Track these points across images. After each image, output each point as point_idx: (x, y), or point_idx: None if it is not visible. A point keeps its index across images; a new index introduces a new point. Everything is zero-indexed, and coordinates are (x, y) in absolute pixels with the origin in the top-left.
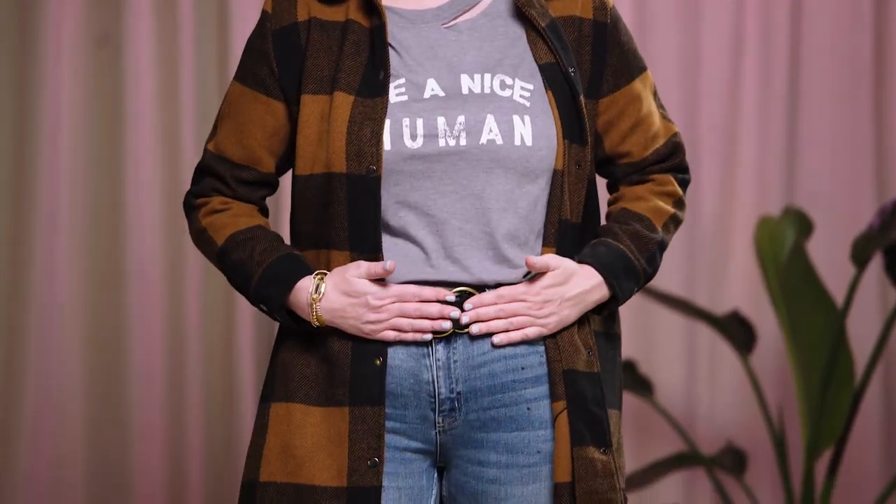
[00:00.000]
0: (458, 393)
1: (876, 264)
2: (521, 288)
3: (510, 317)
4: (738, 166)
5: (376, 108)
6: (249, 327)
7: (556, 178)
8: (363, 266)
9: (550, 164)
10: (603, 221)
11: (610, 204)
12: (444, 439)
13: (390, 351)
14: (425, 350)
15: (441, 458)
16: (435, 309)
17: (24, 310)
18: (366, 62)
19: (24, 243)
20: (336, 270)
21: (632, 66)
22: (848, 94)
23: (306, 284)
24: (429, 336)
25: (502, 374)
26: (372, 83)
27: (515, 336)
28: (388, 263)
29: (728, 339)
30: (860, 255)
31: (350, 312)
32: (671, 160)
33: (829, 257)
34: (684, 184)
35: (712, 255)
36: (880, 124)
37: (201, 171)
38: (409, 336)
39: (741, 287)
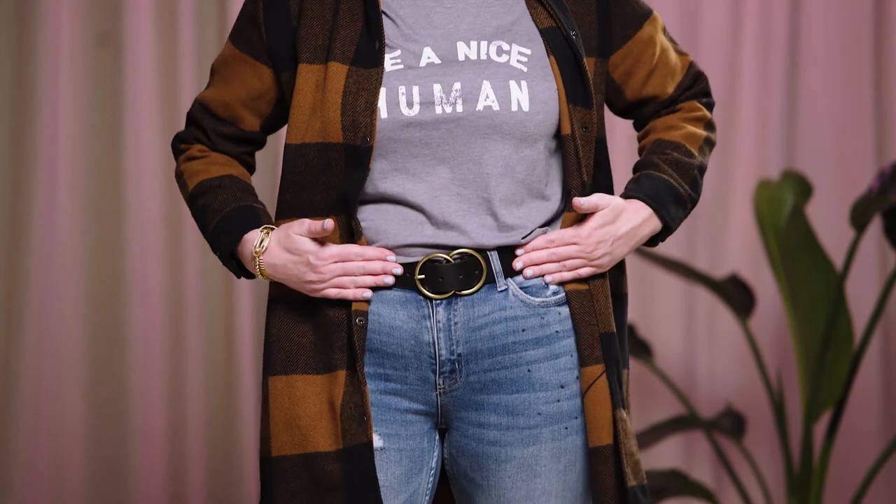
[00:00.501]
0: (459, 355)
1: (875, 227)
2: (570, 231)
3: (562, 260)
4: (737, 129)
5: (371, 79)
6: (248, 306)
7: (568, 144)
8: (305, 224)
9: (548, 129)
10: (633, 161)
11: (641, 139)
12: (444, 401)
13: (390, 312)
14: (426, 312)
15: (442, 420)
16: (378, 266)
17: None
18: (360, 31)
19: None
20: (282, 226)
21: (638, 14)
22: (848, 57)
23: (252, 237)
24: (369, 293)
25: (503, 335)
26: (367, 53)
27: (567, 275)
28: (326, 222)
29: (727, 303)
30: (859, 218)
31: (292, 270)
32: (694, 88)
33: (829, 220)
34: (710, 107)
35: (711, 219)
36: (880, 87)
37: (189, 119)
38: (350, 294)
39: (740, 250)
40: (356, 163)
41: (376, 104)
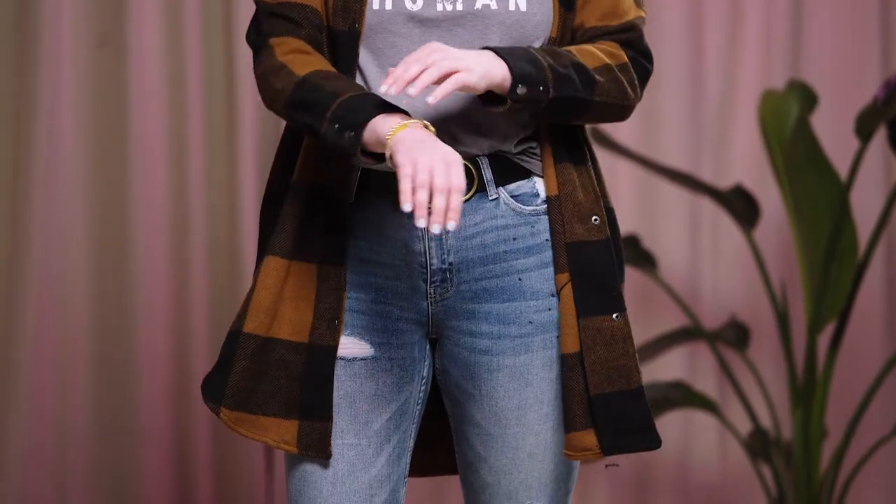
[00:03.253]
0: (450, 264)
1: (880, 137)
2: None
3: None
4: (742, 40)
5: None
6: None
7: (552, 45)
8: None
9: (544, 31)
10: None
11: None
12: (435, 310)
13: (380, 221)
14: None
15: (433, 330)
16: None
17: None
18: None
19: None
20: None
21: None
22: None
23: (395, 120)
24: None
25: (494, 244)
26: None
27: (448, 86)
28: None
29: (731, 214)
30: (865, 129)
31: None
32: (622, 34)
33: (834, 131)
34: (637, 62)
35: (716, 130)
36: None
37: (269, 13)
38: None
39: (745, 161)
40: (346, 48)
41: None
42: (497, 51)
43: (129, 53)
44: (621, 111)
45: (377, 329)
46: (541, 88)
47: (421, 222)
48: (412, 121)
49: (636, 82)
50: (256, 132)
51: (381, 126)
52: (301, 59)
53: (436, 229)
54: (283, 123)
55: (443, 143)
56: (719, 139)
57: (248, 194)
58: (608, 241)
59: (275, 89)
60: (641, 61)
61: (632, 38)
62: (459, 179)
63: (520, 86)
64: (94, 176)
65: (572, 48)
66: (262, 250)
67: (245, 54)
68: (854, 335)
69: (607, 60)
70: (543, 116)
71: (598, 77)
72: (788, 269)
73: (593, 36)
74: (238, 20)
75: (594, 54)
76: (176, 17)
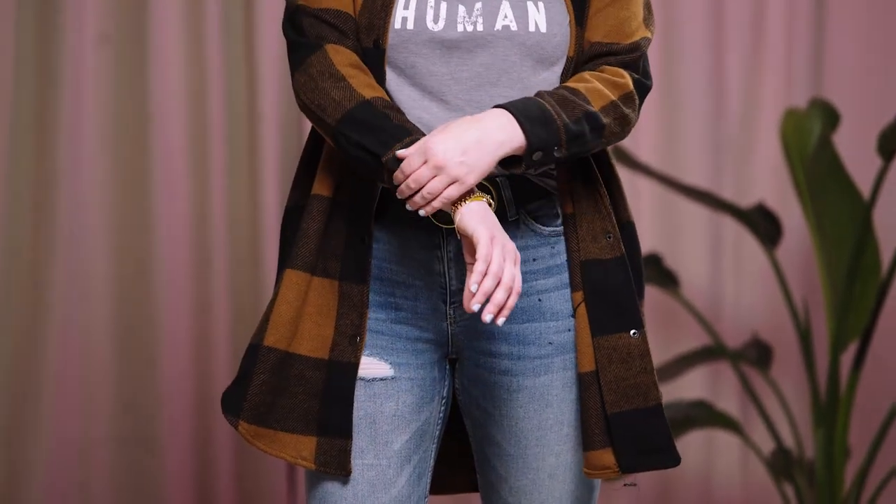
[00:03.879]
0: None
1: None
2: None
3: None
4: (764, 57)
5: None
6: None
7: (569, 64)
8: None
9: (564, 51)
10: None
11: None
12: (455, 331)
13: (401, 241)
14: (437, 241)
15: (453, 350)
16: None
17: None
18: None
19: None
20: None
21: None
22: None
23: None
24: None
25: None
26: None
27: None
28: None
29: (754, 232)
30: (887, 147)
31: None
32: (626, 55)
33: (856, 149)
34: (640, 85)
35: (738, 148)
36: None
37: (310, 15)
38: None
39: (767, 179)
40: (372, 65)
41: (391, 7)
42: (514, 113)
43: (149, 68)
44: (621, 138)
45: (397, 349)
46: (554, 149)
47: (476, 307)
48: (482, 195)
49: (637, 107)
50: (278, 146)
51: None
52: (362, 79)
53: (487, 318)
54: (305, 137)
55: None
56: (741, 157)
57: (269, 208)
58: (623, 258)
59: (330, 97)
60: (642, 81)
61: (635, 60)
62: (520, 283)
63: (536, 153)
64: (116, 189)
65: (580, 87)
66: (283, 263)
67: (267, 69)
68: (877, 354)
69: (612, 97)
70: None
71: (604, 120)
72: (811, 287)
73: (598, 54)
74: (259, 35)
75: (601, 92)
76: (197, 32)
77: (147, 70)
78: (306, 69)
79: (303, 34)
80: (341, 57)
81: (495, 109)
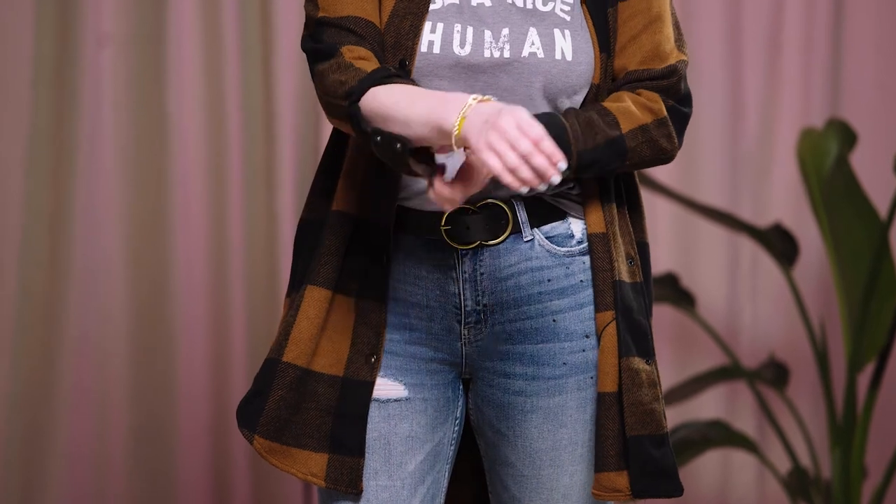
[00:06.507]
0: (485, 305)
1: None
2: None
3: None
4: (781, 77)
5: (420, 3)
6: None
7: (592, 92)
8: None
9: (588, 79)
10: None
11: None
12: (469, 351)
13: (415, 262)
14: (451, 262)
15: (467, 370)
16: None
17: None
18: None
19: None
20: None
21: None
22: (893, 4)
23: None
24: (524, 189)
25: (528, 286)
26: None
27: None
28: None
29: (770, 252)
30: None
31: (494, 115)
32: (664, 80)
33: (873, 169)
34: (676, 112)
35: (755, 168)
36: None
37: (331, 25)
38: (508, 172)
39: (784, 199)
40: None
41: (420, 28)
42: None
43: (168, 87)
44: (660, 163)
45: (411, 370)
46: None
47: (542, 187)
48: (467, 106)
49: (673, 134)
50: (294, 164)
51: (452, 101)
52: (370, 66)
53: (556, 180)
54: (321, 150)
55: (496, 106)
56: (758, 177)
57: (286, 224)
58: (642, 284)
59: (339, 81)
60: (679, 109)
61: (672, 84)
62: (535, 130)
63: None
64: (132, 206)
65: (613, 107)
66: (302, 278)
67: (284, 85)
68: (894, 373)
69: (644, 120)
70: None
71: (629, 144)
72: (828, 307)
73: (635, 80)
74: (277, 51)
75: (632, 114)
76: (215, 49)
77: (166, 93)
78: (318, 68)
79: (322, 42)
80: (352, 53)
81: None
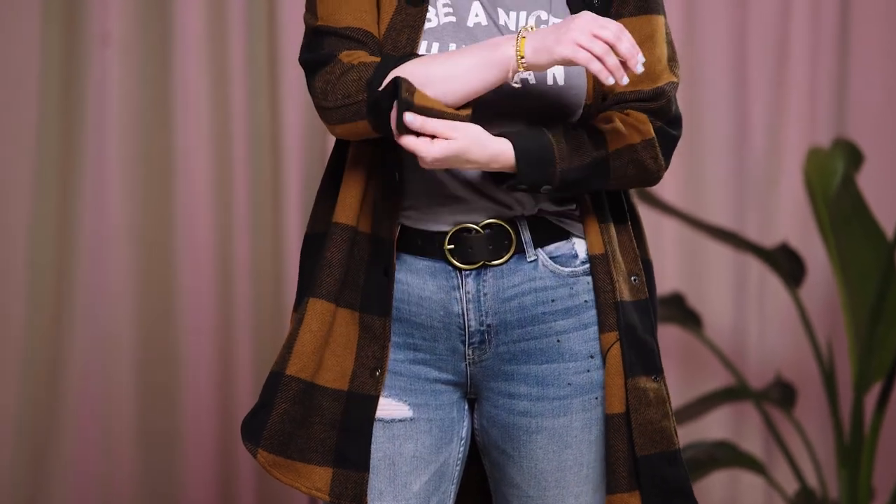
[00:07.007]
0: (488, 325)
1: None
2: None
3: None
4: (787, 97)
5: (417, 17)
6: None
7: (587, 112)
8: None
9: (581, 101)
10: None
11: None
12: (473, 371)
13: (419, 282)
14: (455, 282)
15: (471, 390)
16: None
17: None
18: None
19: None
20: None
21: (642, 2)
22: None
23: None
24: (611, 81)
25: (532, 306)
26: None
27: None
28: None
29: (777, 272)
30: None
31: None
32: (652, 102)
33: (880, 189)
34: (664, 134)
35: (762, 187)
36: None
37: (329, 34)
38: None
39: (790, 219)
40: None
41: (417, 41)
42: (516, 149)
43: (175, 108)
44: (645, 184)
45: (415, 390)
46: (543, 188)
47: (624, 80)
48: (518, 35)
49: (660, 155)
50: (300, 178)
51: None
52: (371, 59)
53: (639, 69)
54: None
55: (553, 23)
56: (765, 196)
57: (292, 239)
58: (647, 301)
59: (351, 80)
60: (668, 131)
61: (661, 107)
62: (612, 24)
63: (521, 185)
64: (140, 219)
65: (603, 127)
66: (305, 291)
67: (290, 100)
68: None
69: (631, 140)
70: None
71: (614, 163)
72: (834, 327)
73: (623, 101)
74: (283, 67)
75: (620, 134)
76: (221, 68)
77: (173, 113)
78: (321, 77)
79: (320, 52)
80: (352, 56)
81: (502, 138)
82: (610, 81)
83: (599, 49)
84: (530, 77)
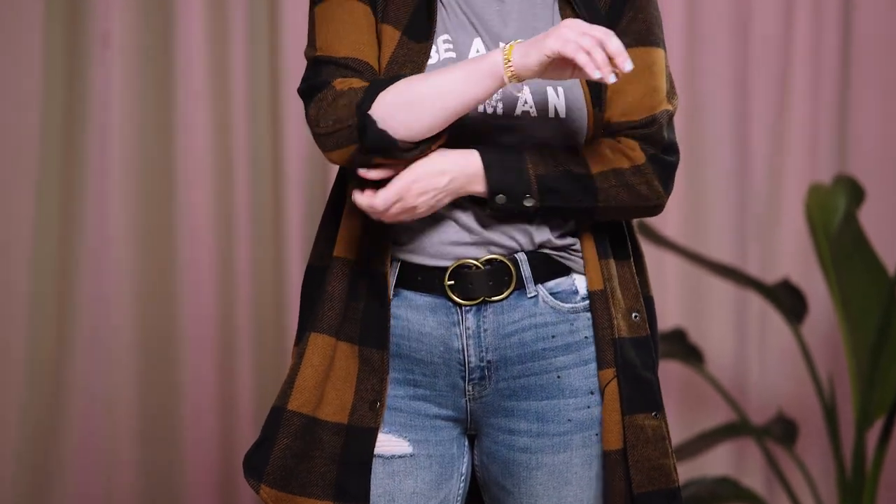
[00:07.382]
0: (489, 361)
1: None
2: None
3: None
4: (788, 133)
5: (420, 53)
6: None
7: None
8: None
9: (583, 134)
10: None
11: None
12: (474, 407)
13: (419, 318)
14: (455, 318)
15: (472, 426)
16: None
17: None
18: (416, 4)
19: (72, 237)
20: None
21: (641, 35)
22: None
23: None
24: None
25: (532, 342)
26: (419, 26)
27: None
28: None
29: (779, 308)
30: None
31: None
32: (643, 129)
33: (881, 225)
34: (658, 160)
35: (763, 224)
36: None
37: (328, 63)
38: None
39: (792, 255)
40: None
41: None
42: (484, 158)
43: (176, 131)
44: (646, 211)
45: (415, 426)
46: (524, 197)
47: (612, 77)
48: (506, 47)
49: (655, 182)
50: (302, 204)
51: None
52: (362, 85)
53: (628, 67)
54: (328, 192)
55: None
56: (766, 233)
57: (293, 273)
58: (647, 338)
59: (341, 105)
60: (662, 157)
61: (653, 133)
62: (598, 31)
63: (498, 195)
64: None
65: (584, 150)
66: (306, 325)
67: (291, 119)
68: None
69: (617, 164)
70: (550, 217)
71: (600, 184)
72: (836, 363)
73: (615, 131)
74: (285, 87)
75: (604, 157)
76: (223, 89)
77: (175, 135)
78: (315, 103)
79: (316, 80)
80: (346, 83)
81: (469, 150)
82: (597, 76)
83: (588, 42)
84: (532, 110)
